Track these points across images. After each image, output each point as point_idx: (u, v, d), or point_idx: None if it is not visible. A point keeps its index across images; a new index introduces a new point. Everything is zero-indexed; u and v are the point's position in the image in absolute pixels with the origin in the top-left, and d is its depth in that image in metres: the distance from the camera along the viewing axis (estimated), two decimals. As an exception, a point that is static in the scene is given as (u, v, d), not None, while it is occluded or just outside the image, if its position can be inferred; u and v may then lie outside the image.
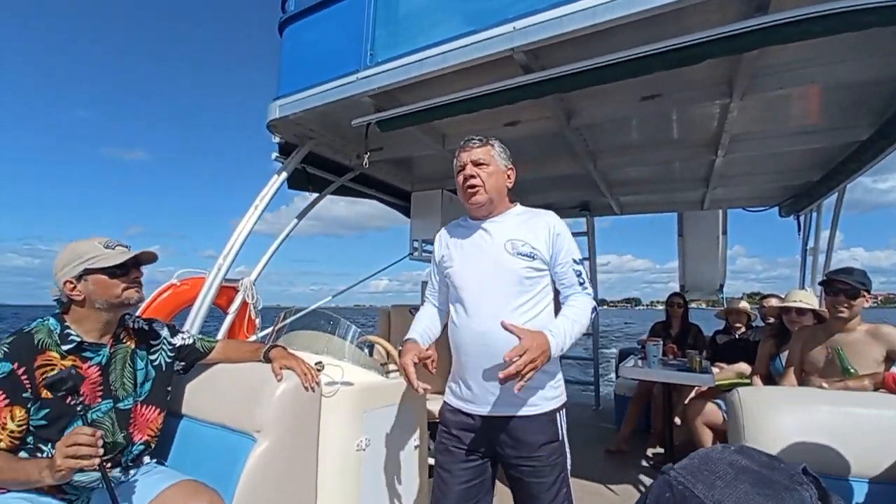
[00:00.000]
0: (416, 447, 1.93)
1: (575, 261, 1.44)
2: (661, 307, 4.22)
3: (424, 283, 1.79)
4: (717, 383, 2.65)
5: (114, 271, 1.35)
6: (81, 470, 1.11)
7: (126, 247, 1.41)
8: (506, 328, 1.23)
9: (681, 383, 2.87)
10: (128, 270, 1.38)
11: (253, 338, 2.67)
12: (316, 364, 1.67)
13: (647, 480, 2.80)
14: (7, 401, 1.20)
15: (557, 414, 1.41)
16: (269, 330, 2.35)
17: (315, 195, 3.29)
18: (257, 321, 2.77)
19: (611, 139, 3.02)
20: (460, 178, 1.46)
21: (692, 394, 3.17)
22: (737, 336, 3.35)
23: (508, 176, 1.51)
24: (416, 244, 3.76)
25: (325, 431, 1.59)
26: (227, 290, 2.60)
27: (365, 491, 1.65)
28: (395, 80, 2.13)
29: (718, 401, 2.71)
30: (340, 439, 1.61)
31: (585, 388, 5.31)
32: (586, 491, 2.67)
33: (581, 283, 1.44)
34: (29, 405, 1.23)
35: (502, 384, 1.20)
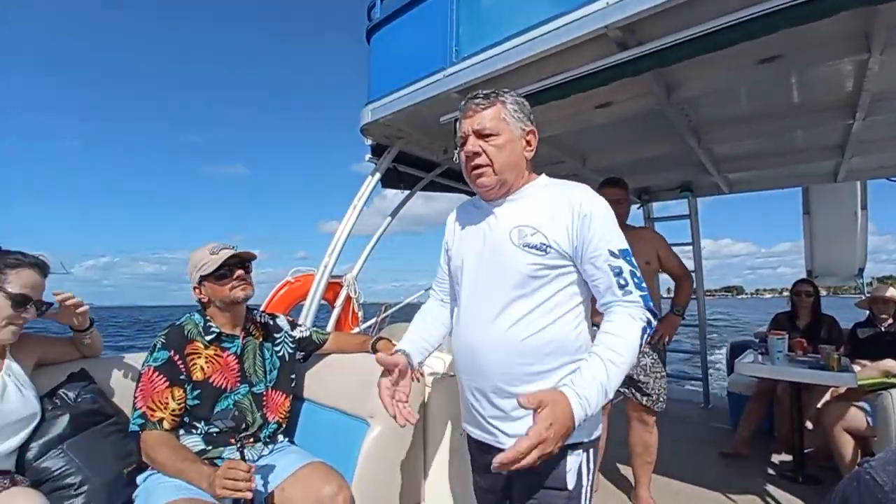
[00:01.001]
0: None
1: (613, 253, 1.02)
2: (768, 296, 3.76)
3: None
4: (859, 384, 2.30)
5: (220, 274, 1.52)
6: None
7: (231, 247, 1.56)
8: (521, 404, 0.84)
9: (814, 383, 2.53)
10: (232, 271, 1.54)
11: (356, 329, 2.87)
12: None
13: (775, 491, 2.50)
14: (167, 383, 1.42)
15: (573, 452, 1.02)
16: (373, 321, 2.51)
17: (406, 192, 3.42)
18: (360, 314, 2.97)
19: (717, 112, 2.73)
20: (462, 156, 1.11)
21: (827, 395, 2.79)
22: (882, 329, 2.87)
23: (528, 143, 1.11)
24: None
25: (431, 418, 1.66)
26: (332, 286, 2.82)
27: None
28: (481, 74, 2.12)
29: (862, 404, 2.35)
30: (444, 425, 1.67)
31: (691, 384, 4.91)
32: (697, 497, 2.47)
33: (623, 286, 1.00)
34: (185, 386, 1.45)
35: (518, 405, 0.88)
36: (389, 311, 2.39)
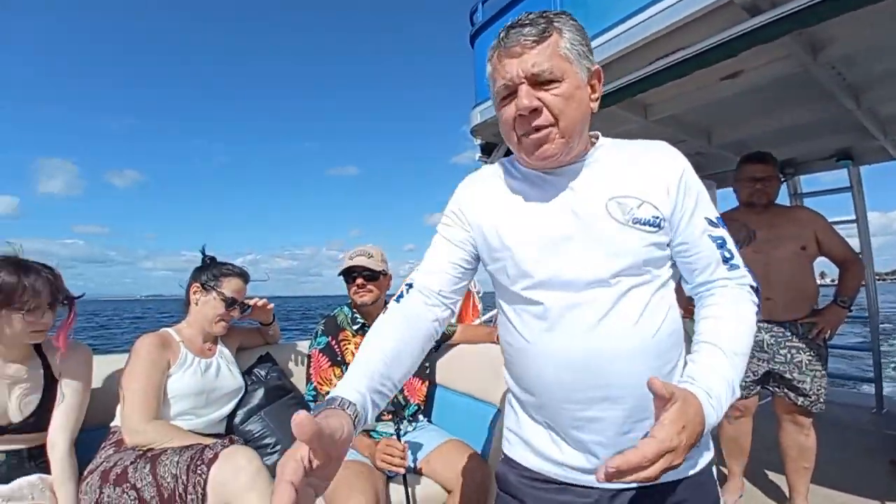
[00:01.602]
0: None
1: (711, 222, 0.83)
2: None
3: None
4: None
5: (347, 278, 1.79)
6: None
7: (366, 254, 1.78)
8: (653, 389, 0.60)
9: None
10: (354, 278, 1.78)
11: (477, 321, 3.02)
12: None
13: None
14: (329, 363, 1.70)
15: (713, 470, 0.87)
16: (493, 313, 2.63)
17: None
18: (479, 306, 3.12)
19: (881, 67, 2.31)
20: (508, 113, 0.78)
21: None
22: None
23: (593, 88, 0.82)
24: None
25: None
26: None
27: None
28: (591, 63, 2.10)
29: None
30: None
31: (857, 385, 4.19)
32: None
33: (729, 260, 0.82)
34: (341, 367, 1.72)
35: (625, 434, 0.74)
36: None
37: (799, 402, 2.00)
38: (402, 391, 1.79)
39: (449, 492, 1.50)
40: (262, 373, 1.79)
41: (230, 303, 1.64)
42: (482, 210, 0.88)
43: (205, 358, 1.63)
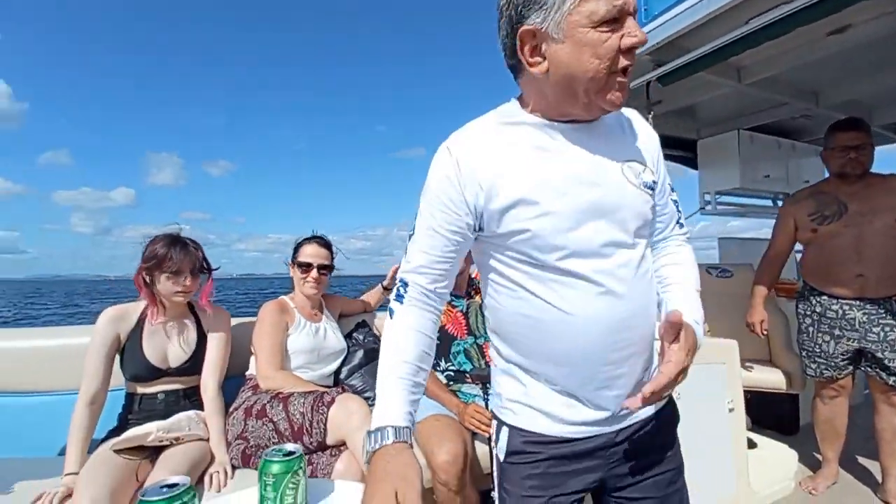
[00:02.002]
0: (730, 410, 1.87)
1: (672, 186, 0.94)
2: None
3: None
4: None
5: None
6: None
7: None
8: (674, 320, 0.71)
9: None
10: None
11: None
12: None
13: None
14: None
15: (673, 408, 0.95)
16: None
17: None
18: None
19: None
20: (613, 42, 0.68)
21: None
22: None
23: None
24: (707, 197, 3.44)
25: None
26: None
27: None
28: (676, 30, 2.02)
29: None
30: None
31: None
32: None
33: (679, 222, 0.94)
34: None
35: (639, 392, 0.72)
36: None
37: (891, 382, 1.89)
38: (483, 356, 1.92)
39: None
40: (360, 337, 2.02)
41: (304, 266, 1.90)
42: (489, 179, 0.76)
43: (314, 322, 1.89)
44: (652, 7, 2.18)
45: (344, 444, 1.47)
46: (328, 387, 1.80)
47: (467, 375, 1.86)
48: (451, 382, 1.88)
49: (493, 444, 0.91)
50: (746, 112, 3.24)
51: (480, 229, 0.79)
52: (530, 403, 0.84)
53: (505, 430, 0.86)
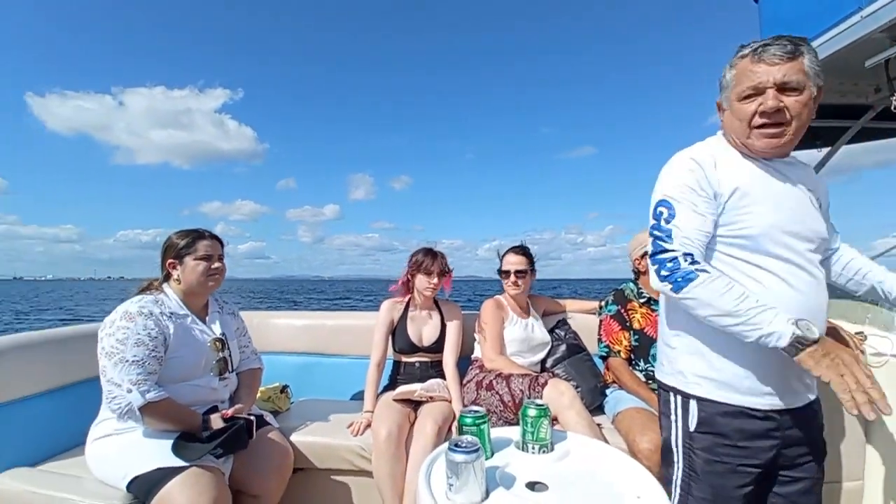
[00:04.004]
0: None
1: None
2: None
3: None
4: None
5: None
6: None
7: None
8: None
9: None
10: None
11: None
12: (857, 334, 1.68)
13: None
14: (620, 327, 2.03)
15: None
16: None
17: (826, 150, 3.01)
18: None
19: None
20: (750, 108, 1.03)
21: None
22: None
23: (815, 100, 1.03)
24: None
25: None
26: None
27: None
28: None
29: None
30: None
31: None
32: None
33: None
34: (629, 332, 2.02)
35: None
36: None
37: None
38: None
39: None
40: (562, 333, 2.30)
41: (505, 273, 2.26)
42: (728, 177, 1.05)
43: (523, 318, 2.24)
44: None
45: (555, 419, 1.76)
46: (538, 373, 2.12)
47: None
48: (650, 381, 1.99)
49: (675, 416, 1.13)
50: None
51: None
52: (717, 377, 1.07)
53: (693, 402, 1.09)
